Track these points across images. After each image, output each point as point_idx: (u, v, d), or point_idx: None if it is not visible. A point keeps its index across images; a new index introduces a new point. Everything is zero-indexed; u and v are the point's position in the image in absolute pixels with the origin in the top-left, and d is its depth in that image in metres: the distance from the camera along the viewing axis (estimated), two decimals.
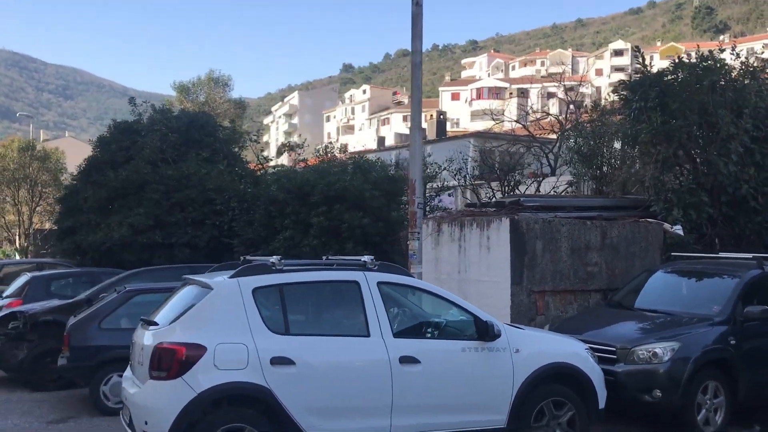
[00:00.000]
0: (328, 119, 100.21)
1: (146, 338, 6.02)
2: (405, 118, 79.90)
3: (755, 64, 11.74)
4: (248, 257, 6.92)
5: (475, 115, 79.25)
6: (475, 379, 6.37)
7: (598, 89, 53.76)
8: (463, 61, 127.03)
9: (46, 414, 8.69)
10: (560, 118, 20.28)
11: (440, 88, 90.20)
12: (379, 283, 6.33)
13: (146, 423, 5.59)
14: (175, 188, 16.14)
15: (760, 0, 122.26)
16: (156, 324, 6.15)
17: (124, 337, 8.50)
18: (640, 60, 11.49)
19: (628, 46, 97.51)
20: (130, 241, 15.66)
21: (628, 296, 9.09)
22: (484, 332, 6.41)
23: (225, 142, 19.02)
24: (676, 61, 11.21)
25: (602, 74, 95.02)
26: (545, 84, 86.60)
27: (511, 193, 15.13)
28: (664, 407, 7.35)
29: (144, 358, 5.88)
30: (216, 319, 5.80)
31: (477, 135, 23.67)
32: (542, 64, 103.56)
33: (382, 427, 6.01)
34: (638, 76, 11.62)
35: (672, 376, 7.34)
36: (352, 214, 12.04)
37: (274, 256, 6.34)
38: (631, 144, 11.47)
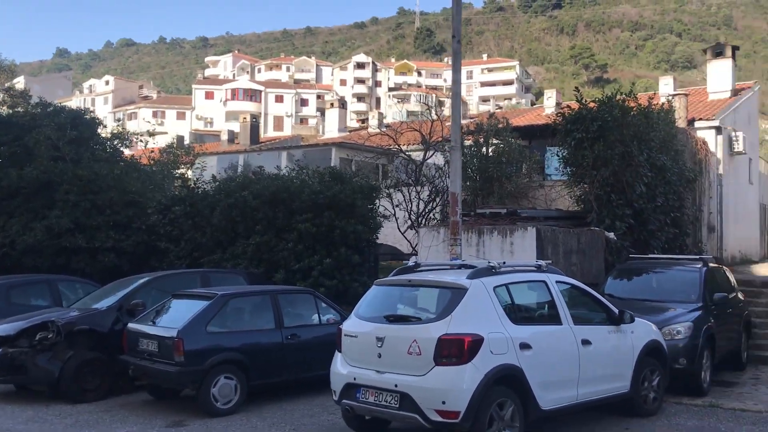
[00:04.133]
0: None
1: (407, 332, 6.89)
2: (155, 114, 76.91)
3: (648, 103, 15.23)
4: (467, 261, 8.01)
5: (230, 116, 79.20)
6: (617, 354, 8.27)
7: (342, 98, 57.58)
8: (207, 59, 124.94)
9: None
10: (423, 131, 22.28)
11: (194, 86, 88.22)
12: (557, 282, 7.92)
13: (443, 402, 6.53)
14: (90, 189, 15.24)
15: (470, 29, 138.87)
16: (409, 320, 7.08)
17: (230, 339, 8.94)
18: (579, 98, 14.20)
19: (370, 60, 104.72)
20: (48, 244, 14.50)
21: (613, 289, 11.58)
22: (619, 319, 8.35)
23: (109, 139, 18.15)
24: (606, 100, 14.12)
25: (346, 84, 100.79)
26: (299, 90, 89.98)
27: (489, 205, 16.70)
28: (688, 372, 9.91)
29: (407, 349, 6.73)
30: (479, 314, 6.92)
31: (339, 145, 24.96)
32: (288, 69, 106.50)
33: (571, 396, 7.62)
34: (570, 111, 14.28)
35: (690, 347, 9.94)
36: (345, 221, 12.97)
37: (494, 261, 7.58)
38: (572, 166, 14.10)
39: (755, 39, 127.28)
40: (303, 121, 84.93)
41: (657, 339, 8.98)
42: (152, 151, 23.21)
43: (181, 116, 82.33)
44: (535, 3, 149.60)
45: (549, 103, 27.41)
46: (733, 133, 21.13)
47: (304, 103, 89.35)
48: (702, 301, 10.78)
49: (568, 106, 14.61)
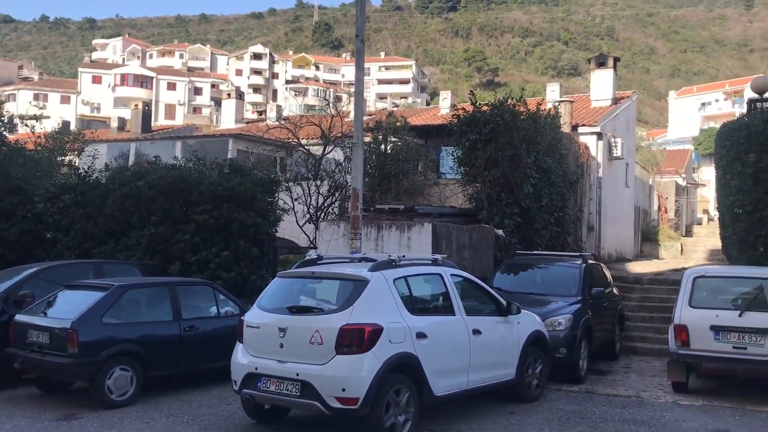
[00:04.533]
0: None
1: (309, 322, 7.11)
2: (37, 97, 72.77)
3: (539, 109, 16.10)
4: (367, 255, 8.26)
5: (119, 102, 76.20)
6: (505, 343, 8.82)
7: (238, 88, 56.95)
8: (95, 41, 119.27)
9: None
10: (322, 126, 22.32)
11: (80, 69, 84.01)
12: (452, 275, 8.37)
13: (343, 390, 6.80)
14: None
15: (368, 27, 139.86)
16: (312, 311, 7.30)
17: (126, 331, 8.88)
18: (474, 101, 14.83)
19: (267, 51, 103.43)
20: None
21: (501, 282, 12.23)
22: (507, 311, 8.91)
23: None
24: (498, 104, 14.82)
25: (242, 74, 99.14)
26: (193, 78, 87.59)
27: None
28: (567, 361, 10.67)
29: (309, 339, 6.96)
30: (379, 305, 7.23)
31: (237, 136, 24.64)
32: (181, 56, 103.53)
33: (462, 382, 8.08)
34: (465, 113, 14.89)
35: (570, 338, 10.71)
36: (244, 214, 12.97)
37: (394, 254, 7.91)
38: (466, 166, 14.72)
39: (634, 50, 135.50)
40: (197, 110, 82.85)
41: (541, 330, 9.62)
42: (39, 137, 22.14)
43: (65, 100, 78.22)
44: (432, 4, 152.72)
45: (444, 104, 28.28)
46: (613, 139, 22.61)
47: (197, 91, 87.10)
48: (581, 295, 11.60)
49: (463, 109, 15.21)
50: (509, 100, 15.30)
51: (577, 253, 13.18)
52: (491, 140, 14.25)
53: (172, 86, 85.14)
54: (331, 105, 22.92)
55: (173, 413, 8.54)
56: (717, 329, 9.69)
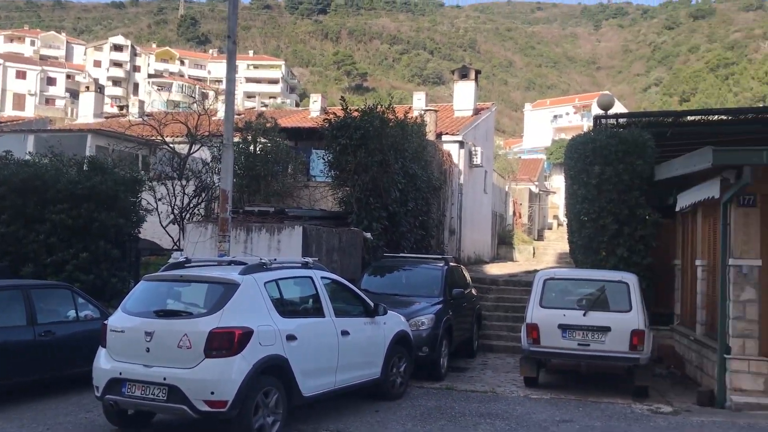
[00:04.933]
0: None
1: (177, 326, 7.05)
2: None
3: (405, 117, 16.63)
4: (237, 258, 8.21)
5: None
6: (371, 343, 9.12)
7: (97, 81, 54.40)
8: None
9: None
10: (189, 124, 21.72)
11: None
12: (322, 278, 8.56)
13: (212, 393, 6.79)
14: None
15: (242, 23, 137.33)
16: (180, 315, 7.22)
17: None
18: (345, 106, 15.10)
19: (128, 43, 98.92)
20: None
21: (368, 284, 12.58)
22: (374, 312, 9.23)
23: None
24: (368, 111, 15.17)
25: (101, 66, 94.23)
26: (45, 67, 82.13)
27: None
28: (429, 359, 11.15)
29: (177, 342, 6.91)
30: (250, 308, 7.29)
31: (96, 132, 23.41)
32: (33, 43, 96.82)
33: (330, 382, 8.30)
34: (337, 118, 15.15)
35: (432, 337, 11.21)
36: (105, 214, 12.48)
37: (265, 258, 7.97)
38: (336, 169, 14.95)
39: (494, 63, 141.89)
40: (50, 101, 77.76)
41: (405, 330, 10.03)
42: None
43: None
44: (302, 6, 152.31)
45: (315, 106, 28.44)
46: (473, 148, 23.74)
47: (51, 82, 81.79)
48: (443, 296, 12.17)
49: (334, 113, 15.47)
50: (378, 107, 15.71)
51: (440, 256, 13.79)
52: (361, 145, 14.59)
53: (21, 74, 79.38)
54: (197, 103, 22.40)
55: (27, 423, 8.12)
56: (564, 327, 10.52)
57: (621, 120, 15.59)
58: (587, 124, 74.75)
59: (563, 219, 46.68)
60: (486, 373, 12.52)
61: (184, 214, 17.36)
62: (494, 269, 22.81)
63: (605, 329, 10.35)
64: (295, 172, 19.48)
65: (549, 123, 78.34)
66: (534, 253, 30.36)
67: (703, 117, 17.14)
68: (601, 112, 17.58)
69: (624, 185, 13.49)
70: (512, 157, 54.36)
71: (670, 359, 13.02)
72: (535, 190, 41.29)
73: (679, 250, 13.96)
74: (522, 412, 9.22)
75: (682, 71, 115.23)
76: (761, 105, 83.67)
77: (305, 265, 8.62)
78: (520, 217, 36.15)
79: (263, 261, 7.89)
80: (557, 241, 36.31)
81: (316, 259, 9.02)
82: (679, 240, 13.99)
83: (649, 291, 12.70)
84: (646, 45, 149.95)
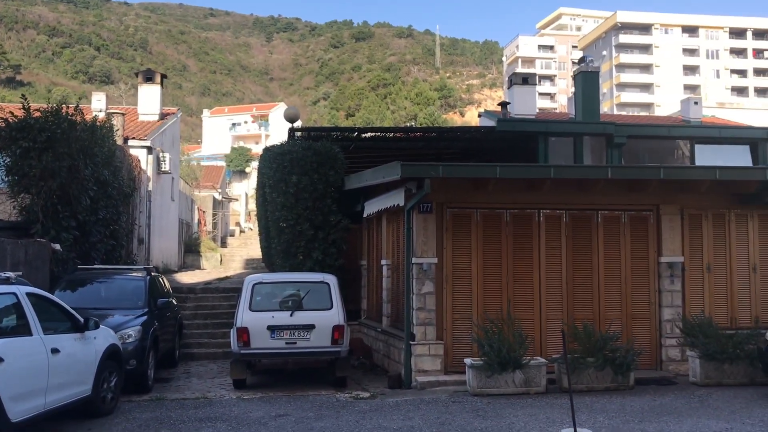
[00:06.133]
0: None
1: None
2: None
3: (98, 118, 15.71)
4: None
5: None
6: (82, 360, 8.67)
7: None
8: None
9: None
10: None
11: None
12: (29, 294, 7.92)
13: None
14: None
15: None
16: None
17: None
18: (26, 105, 13.76)
19: None
20: None
21: (63, 299, 11.74)
22: (84, 326, 8.79)
23: None
24: (54, 111, 14.02)
25: None
26: None
27: None
28: (138, 372, 10.84)
29: None
30: None
31: None
32: None
33: (40, 404, 7.74)
34: (15, 117, 13.74)
35: (140, 349, 10.94)
36: None
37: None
38: (17, 175, 13.53)
39: (167, 65, 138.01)
40: None
41: (116, 343, 9.68)
42: None
43: None
44: None
45: None
46: (161, 154, 23.23)
47: None
48: (147, 307, 11.93)
49: (11, 112, 14.02)
50: (64, 107, 14.65)
51: (141, 266, 13.42)
52: (48, 149, 13.47)
53: None
54: None
55: None
56: (273, 328, 11.11)
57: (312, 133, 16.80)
58: (264, 133, 77.41)
59: (246, 225, 47.71)
60: (191, 381, 12.54)
61: None
62: (185, 278, 22.59)
63: (310, 327, 11.17)
64: None
65: (227, 130, 79.03)
66: (221, 260, 30.64)
67: (379, 133, 19.30)
68: (288, 123, 18.69)
69: (318, 193, 14.61)
70: (195, 164, 53.78)
71: (359, 351, 14.41)
72: (218, 197, 41.51)
73: (365, 252, 15.54)
74: (239, 413, 9.55)
75: (348, 88, 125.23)
76: (412, 122, 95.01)
77: (7, 281, 7.89)
78: (205, 225, 36.09)
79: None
80: (240, 248, 37.03)
81: (20, 273, 8.27)
82: (365, 243, 15.58)
83: (343, 290, 13.93)
84: (314, 60, 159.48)
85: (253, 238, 40.68)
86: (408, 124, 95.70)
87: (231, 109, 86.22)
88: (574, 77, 20.65)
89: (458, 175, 11.34)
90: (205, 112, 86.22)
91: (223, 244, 38.29)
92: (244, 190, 57.92)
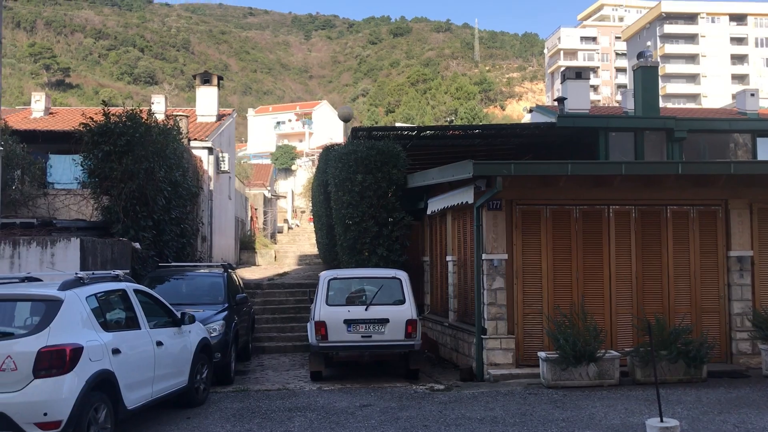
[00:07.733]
0: None
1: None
2: None
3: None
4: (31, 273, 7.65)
5: None
6: (181, 352, 9.20)
7: None
8: None
9: None
10: None
11: None
12: (135, 291, 8.47)
13: (45, 414, 6.47)
14: None
15: None
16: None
17: None
18: (106, 111, 14.44)
19: None
20: None
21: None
22: (181, 321, 9.32)
23: None
24: (131, 116, 14.68)
25: None
26: None
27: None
28: (222, 364, 11.36)
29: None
30: (75, 324, 7.04)
31: None
32: None
33: (148, 394, 8.28)
34: (95, 123, 14.42)
35: (224, 342, 11.48)
36: None
37: (81, 272, 7.66)
38: (98, 177, 14.22)
39: (209, 65, 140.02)
40: None
41: (207, 337, 10.21)
42: None
43: None
44: None
45: (38, 106, 26.10)
46: (221, 154, 23.89)
47: None
48: (227, 302, 12.47)
49: (91, 118, 14.70)
50: (136, 111, 15.30)
51: (218, 263, 13.96)
52: (127, 152, 14.13)
53: None
54: None
55: None
56: (349, 322, 11.53)
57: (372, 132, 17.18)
58: (308, 131, 78.36)
59: (292, 222, 48.47)
60: (267, 372, 13.04)
61: None
62: (246, 274, 23.21)
63: (384, 321, 11.56)
64: (32, 180, 17.96)
65: (272, 129, 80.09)
66: (275, 257, 31.27)
67: (437, 132, 19.59)
68: (343, 123, 19.12)
69: (382, 191, 14.99)
70: (245, 162, 54.82)
71: (425, 345, 14.74)
72: (268, 195, 42.29)
73: (427, 248, 15.88)
74: (324, 403, 9.98)
75: (387, 84, 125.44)
76: (452, 117, 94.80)
77: (117, 278, 8.44)
78: (257, 222, 36.85)
79: (79, 275, 7.64)
80: (290, 244, 37.73)
81: (127, 271, 8.82)
82: (427, 239, 15.92)
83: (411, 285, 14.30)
84: (353, 57, 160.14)
85: (300, 235, 41.40)
86: (449, 119, 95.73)
87: (275, 107, 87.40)
88: (634, 71, 20.66)
89: (530, 173, 11.60)
90: (250, 111, 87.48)
91: (273, 241, 39.03)
92: (290, 187, 58.79)
